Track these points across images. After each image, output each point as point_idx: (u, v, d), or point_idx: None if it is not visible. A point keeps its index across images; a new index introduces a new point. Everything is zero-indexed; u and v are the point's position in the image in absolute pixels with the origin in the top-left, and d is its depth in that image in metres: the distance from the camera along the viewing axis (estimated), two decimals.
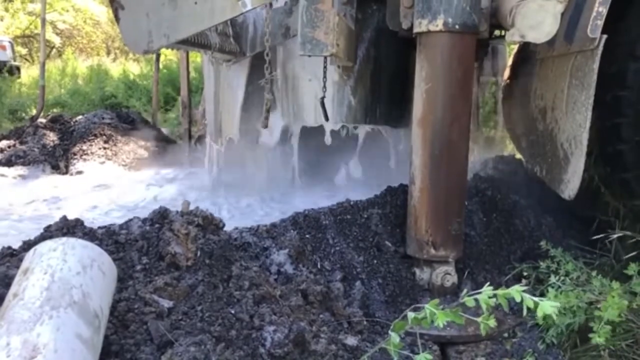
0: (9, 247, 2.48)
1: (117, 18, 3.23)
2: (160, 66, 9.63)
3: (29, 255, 1.92)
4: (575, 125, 2.66)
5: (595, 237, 2.94)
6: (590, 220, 3.19)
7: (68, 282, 1.76)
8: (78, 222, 2.55)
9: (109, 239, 2.44)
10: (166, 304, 2.15)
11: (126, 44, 3.49)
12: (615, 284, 2.41)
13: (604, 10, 2.47)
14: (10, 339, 1.51)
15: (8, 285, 1.90)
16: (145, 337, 2.00)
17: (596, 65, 2.50)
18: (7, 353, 1.47)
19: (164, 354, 1.90)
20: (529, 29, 2.57)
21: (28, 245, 2.44)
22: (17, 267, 2.12)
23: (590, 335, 2.21)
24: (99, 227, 2.56)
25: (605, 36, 2.47)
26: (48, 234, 2.49)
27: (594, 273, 2.57)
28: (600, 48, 2.47)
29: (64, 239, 1.99)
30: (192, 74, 8.97)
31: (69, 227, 2.51)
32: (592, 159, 3.02)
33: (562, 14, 2.59)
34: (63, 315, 1.65)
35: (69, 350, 1.58)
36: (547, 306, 1.53)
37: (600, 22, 2.47)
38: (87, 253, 1.93)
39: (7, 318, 1.60)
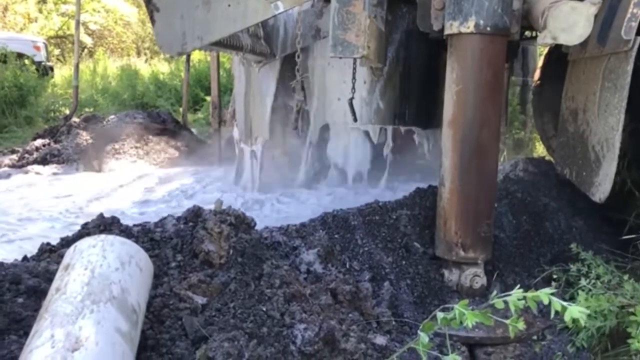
0: (48, 244, 2.56)
1: (152, 20, 3.30)
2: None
3: (70, 252, 1.97)
4: (607, 127, 2.64)
5: (626, 238, 2.90)
6: (622, 224, 3.16)
7: (107, 277, 1.82)
8: (114, 220, 2.61)
9: (145, 236, 2.50)
10: (200, 300, 2.20)
11: (160, 45, 3.56)
12: None
13: (639, 12, 2.45)
14: (54, 331, 1.57)
15: (50, 280, 1.97)
16: (180, 332, 2.04)
17: (630, 67, 2.48)
18: (52, 345, 1.52)
19: (198, 348, 1.95)
20: (561, 31, 2.55)
21: (66, 242, 2.52)
22: (57, 262, 2.19)
23: (630, 341, 2.18)
24: (135, 225, 2.62)
25: None
26: (85, 231, 2.56)
27: (625, 277, 2.55)
28: (635, 50, 2.45)
29: (103, 236, 2.05)
30: (221, 74, 9.03)
31: (105, 225, 2.58)
32: (625, 162, 2.99)
33: (595, 16, 2.57)
34: (103, 310, 1.70)
35: (109, 343, 1.63)
36: (575, 311, 1.50)
37: (635, 24, 2.45)
38: (126, 250, 1.98)
39: (50, 311, 1.66)
